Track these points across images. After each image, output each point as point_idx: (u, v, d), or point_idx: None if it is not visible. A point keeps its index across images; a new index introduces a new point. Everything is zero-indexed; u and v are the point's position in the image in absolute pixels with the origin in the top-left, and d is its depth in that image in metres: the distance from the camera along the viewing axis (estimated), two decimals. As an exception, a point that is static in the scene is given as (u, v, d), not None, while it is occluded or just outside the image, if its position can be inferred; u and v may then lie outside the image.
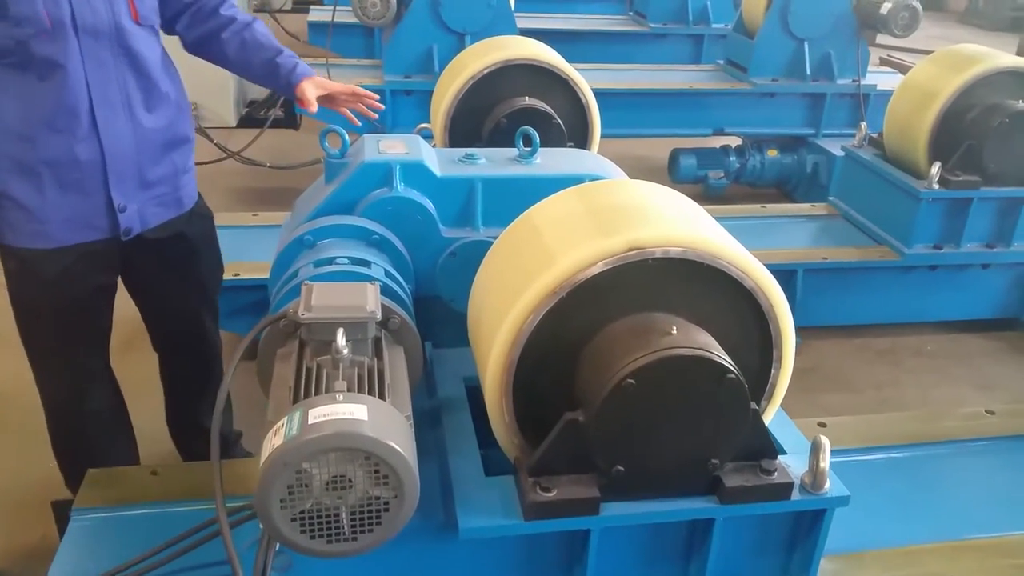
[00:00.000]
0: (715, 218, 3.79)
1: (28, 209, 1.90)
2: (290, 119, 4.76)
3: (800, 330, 3.48)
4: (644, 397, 1.37)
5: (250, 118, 4.61)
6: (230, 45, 2.16)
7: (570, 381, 1.50)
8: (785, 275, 3.41)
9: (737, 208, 4.04)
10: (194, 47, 2.20)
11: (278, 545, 1.41)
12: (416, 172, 1.85)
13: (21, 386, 2.34)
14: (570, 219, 1.56)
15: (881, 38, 6.52)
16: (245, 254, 3.11)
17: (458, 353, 1.94)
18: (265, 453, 1.20)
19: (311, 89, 2.19)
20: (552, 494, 1.46)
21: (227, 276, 3.02)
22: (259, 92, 4.90)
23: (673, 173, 5.20)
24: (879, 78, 5.12)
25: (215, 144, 4.41)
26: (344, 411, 1.22)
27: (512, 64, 2.86)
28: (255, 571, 1.38)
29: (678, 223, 1.50)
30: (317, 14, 5.76)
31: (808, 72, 4.84)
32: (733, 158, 5.17)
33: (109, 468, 2.02)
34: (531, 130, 1.96)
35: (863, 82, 4.88)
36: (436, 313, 1.95)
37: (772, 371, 1.56)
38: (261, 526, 1.33)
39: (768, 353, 1.55)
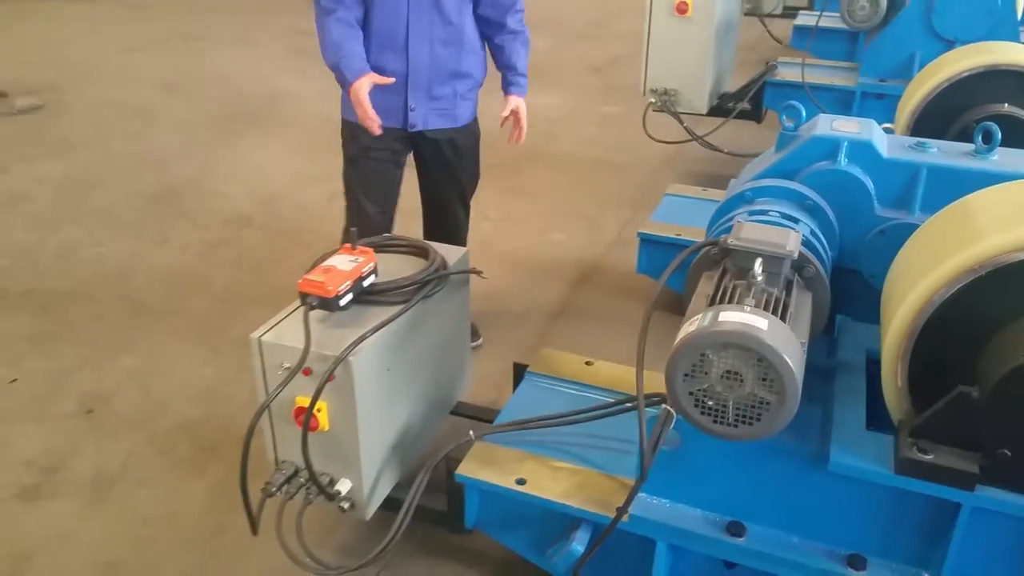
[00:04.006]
0: None
1: None
2: (755, 112, 5.01)
3: None
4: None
5: (719, 108, 4.96)
6: (492, 44, 3.00)
7: (973, 360, 1.55)
8: None
9: None
10: (479, 21, 2.94)
11: (672, 424, 1.71)
12: (862, 150, 2.00)
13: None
14: (1010, 204, 1.59)
15: None
16: (688, 219, 3.50)
17: (867, 328, 2.05)
18: (680, 336, 1.51)
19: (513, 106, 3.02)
20: (928, 457, 1.55)
21: (669, 234, 3.44)
22: (732, 86, 5.24)
23: None
24: None
25: (684, 127, 4.85)
26: (749, 319, 1.47)
27: (995, 70, 2.77)
28: (652, 438, 1.70)
29: None
30: (804, 18, 5.90)
31: None
32: None
33: (557, 351, 2.56)
34: (992, 125, 1.97)
35: None
36: (853, 287, 2.08)
37: None
38: (664, 404, 1.65)
39: None
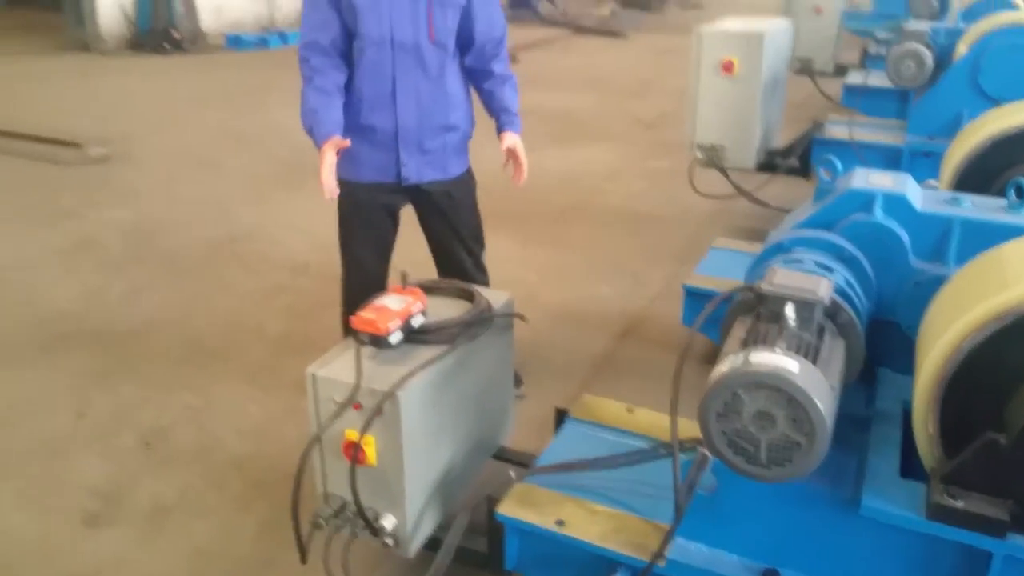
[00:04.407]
0: None
1: (355, 155, 2.91)
2: (803, 169, 5.06)
3: None
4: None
5: (768, 164, 5.03)
6: (482, 91, 3.09)
7: (1001, 407, 1.58)
8: None
9: None
10: (467, 72, 3.06)
11: (708, 467, 1.76)
12: (897, 203, 2.05)
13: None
14: (1038, 257, 1.63)
15: None
16: (734, 272, 3.54)
17: (906, 380, 2.07)
18: (713, 376, 1.57)
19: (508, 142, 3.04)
20: (959, 503, 1.57)
21: (714, 287, 3.49)
22: (781, 142, 5.31)
23: None
24: None
25: (731, 182, 4.92)
26: (779, 360, 1.52)
27: (1040, 128, 2.80)
28: (687, 480, 1.75)
29: None
30: (854, 77, 5.98)
31: None
32: None
33: (598, 398, 2.62)
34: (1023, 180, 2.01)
35: None
36: (892, 339, 2.11)
37: None
38: (701, 447, 1.70)
39: None
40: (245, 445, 3.25)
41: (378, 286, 3.09)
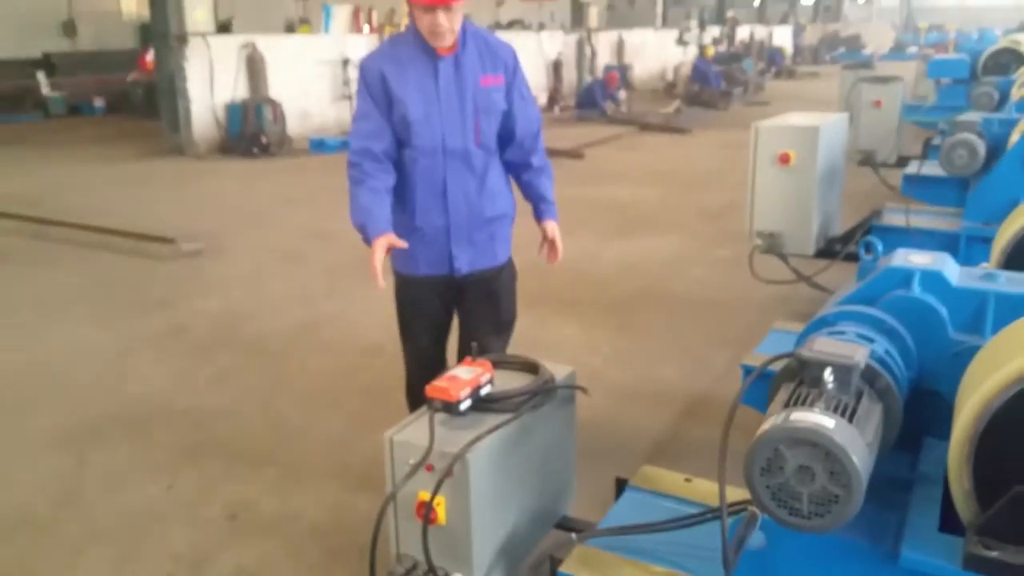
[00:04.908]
0: None
1: (411, 252, 3.08)
2: (862, 256, 5.16)
3: None
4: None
5: (826, 251, 5.14)
6: (521, 180, 3.26)
7: (1035, 463, 1.67)
8: None
9: None
10: (506, 164, 3.23)
11: (757, 525, 1.88)
12: (934, 280, 2.19)
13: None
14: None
15: None
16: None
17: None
18: (757, 433, 1.71)
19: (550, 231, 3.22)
20: (994, 554, 1.65)
21: (774, 367, 3.58)
22: (840, 230, 5.43)
23: None
24: None
25: (791, 268, 5.05)
26: (817, 419, 1.66)
27: (1084, 209, 2.90)
28: (736, 537, 1.86)
29: None
30: (911, 168, 6.11)
31: None
32: None
33: (657, 468, 2.74)
34: (1057, 257, 2.12)
35: None
36: (936, 408, 2.21)
37: None
38: (750, 506, 1.82)
39: None
40: (323, 516, 3.43)
41: (437, 369, 3.26)
